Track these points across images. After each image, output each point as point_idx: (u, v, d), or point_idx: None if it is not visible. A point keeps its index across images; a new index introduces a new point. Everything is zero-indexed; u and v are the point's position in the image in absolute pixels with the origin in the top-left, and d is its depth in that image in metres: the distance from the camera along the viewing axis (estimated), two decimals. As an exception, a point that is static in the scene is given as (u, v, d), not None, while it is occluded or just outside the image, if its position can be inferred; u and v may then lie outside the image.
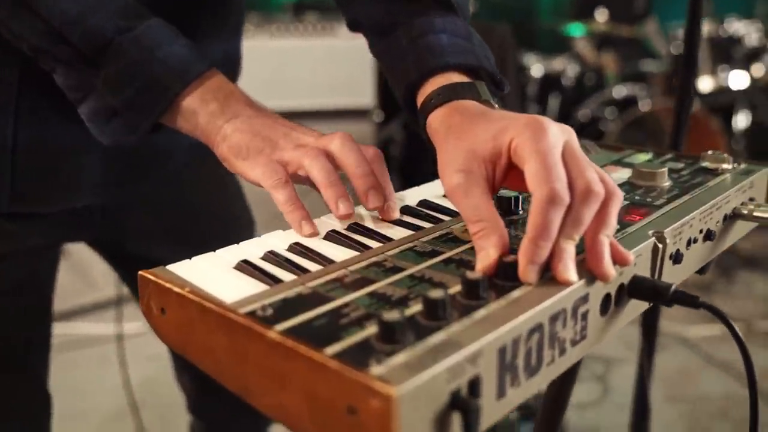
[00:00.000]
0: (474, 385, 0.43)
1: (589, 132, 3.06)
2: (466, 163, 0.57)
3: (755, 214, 0.71)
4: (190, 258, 1.04)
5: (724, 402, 2.17)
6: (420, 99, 0.69)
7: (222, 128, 0.69)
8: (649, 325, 1.12)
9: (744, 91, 3.08)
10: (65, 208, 0.90)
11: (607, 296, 0.54)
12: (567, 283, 0.50)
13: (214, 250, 1.07)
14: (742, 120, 3.12)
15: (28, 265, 0.90)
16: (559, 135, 0.54)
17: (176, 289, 0.51)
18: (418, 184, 0.77)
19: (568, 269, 0.50)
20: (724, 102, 3.10)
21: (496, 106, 0.66)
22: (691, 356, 2.36)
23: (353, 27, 0.84)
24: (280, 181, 0.64)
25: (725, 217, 0.70)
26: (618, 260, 0.53)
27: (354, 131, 0.81)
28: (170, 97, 0.69)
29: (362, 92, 2.62)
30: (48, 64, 0.71)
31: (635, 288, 0.56)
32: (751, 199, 0.75)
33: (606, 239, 0.52)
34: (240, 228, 1.15)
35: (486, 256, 0.52)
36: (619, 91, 3.18)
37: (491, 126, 0.57)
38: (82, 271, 2.40)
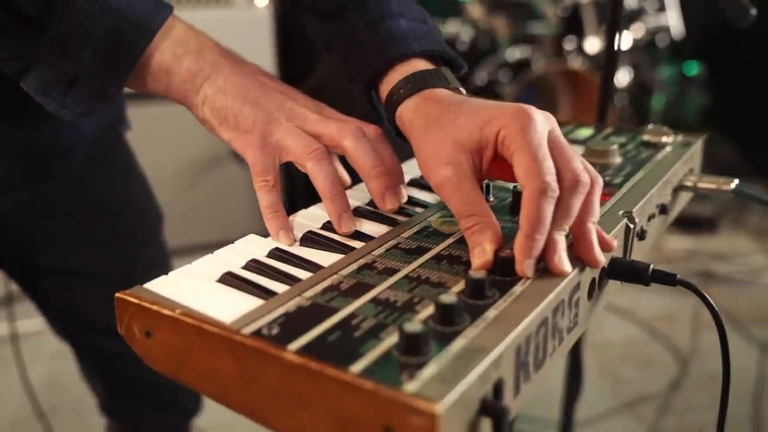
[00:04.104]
0: (498, 388, 0.43)
1: (486, 96, 3.12)
2: (453, 156, 0.56)
3: (699, 185, 0.75)
4: (104, 261, 0.99)
5: (626, 346, 2.32)
6: (384, 89, 0.66)
7: (201, 88, 0.62)
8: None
9: (626, 50, 3.24)
10: None
11: (593, 281, 0.56)
12: (563, 274, 0.51)
13: (127, 249, 1.02)
14: (624, 78, 3.28)
15: None
16: (545, 125, 0.54)
17: (166, 312, 0.48)
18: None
19: (563, 261, 0.51)
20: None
21: (464, 92, 0.66)
22: (594, 306, 2.50)
23: (293, 2, 0.79)
24: (268, 184, 0.61)
25: (674, 190, 0.74)
26: (603, 246, 0.54)
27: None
28: (136, 54, 0.60)
29: (262, 64, 2.50)
30: None
31: (615, 270, 0.57)
32: (691, 170, 0.79)
33: (593, 227, 0.54)
34: (149, 222, 1.09)
35: (482, 252, 0.52)
36: (512, 54, 3.25)
37: (475, 116, 0.56)
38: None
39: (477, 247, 0.52)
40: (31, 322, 1.86)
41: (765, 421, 1.90)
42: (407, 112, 0.63)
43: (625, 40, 3.21)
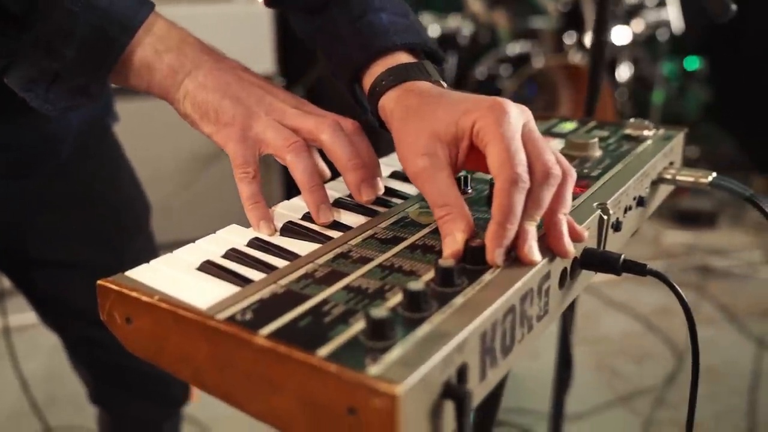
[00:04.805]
0: (462, 373, 0.44)
1: (486, 90, 3.13)
2: (429, 146, 0.57)
3: (678, 178, 0.76)
4: (93, 253, 1.01)
5: (623, 340, 2.33)
6: (368, 81, 0.68)
7: (183, 84, 0.63)
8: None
9: (626, 45, 3.24)
10: None
11: (564, 271, 0.57)
12: (532, 264, 0.52)
13: (117, 240, 1.04)
14: (625, 72, 3.28)
15: None
16: (519, 118, 0.56)
17: (145, 298, 0.49)
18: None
19: (533, 250, 0.52)
20: (608, 56, 3.24)
21: (445, 85, 0.67)
22: (591, 300, 2.51)
23: (272, 2, 0.80)
24: (248, 175, 0.62)
25: (652, 183, 0.75)
26: (574, 237, 0.56)
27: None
28: (118, 51, 0.61)
29: (262, 59, 2.54)
30: None
31: (588, 260, 0.59)
32: (671, 163, 0.80)
33: (564, 218, 0.55)
34: (137, 214, 1.11)
35: (453, 241, 0.53)
36: (513, 49, 3.25)
37: (453, 108, 0.58)
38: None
39: (448, 236, 0.54)
40: (31, 314, 1.89)
41: (760, 416, 1.91)
42: (389, 102, 0.65)
43: (625, 35, 3.21)
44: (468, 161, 0.59)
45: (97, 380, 1.16)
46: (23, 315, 1.76)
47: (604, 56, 1.01)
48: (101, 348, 1.06)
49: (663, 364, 2.15)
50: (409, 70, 0.66)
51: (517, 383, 2.01)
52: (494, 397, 0.84)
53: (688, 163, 3.30)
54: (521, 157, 0.53)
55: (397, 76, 0.66)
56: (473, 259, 0.53)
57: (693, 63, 3.47)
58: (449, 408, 0.43)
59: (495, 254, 0.52)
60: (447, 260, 0.50)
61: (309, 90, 2.65)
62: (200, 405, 1.30)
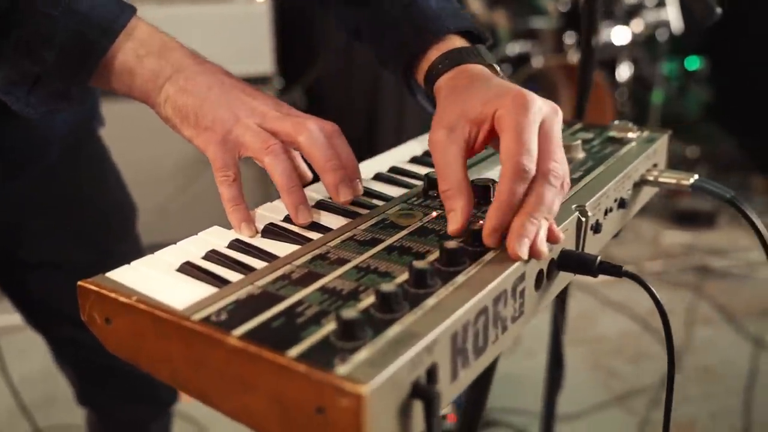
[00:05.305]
0: (432, 373, 0.45)
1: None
2: (453, 121, 0.60)
3: (660, 179, 0.76)
4: (81, 254, 1.01)
5: (619, 340, 2.33)
6: (424, 66, 0.71)
7: (163, 88, 0.64)
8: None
9: (626, 45, 3.24)
10: None
11: (540, 272, 0.57)
12: (517, 259, 0.53)
13: (104, 242, 1.05)
14: (624, 72, 3.28)
15: None
16: (540, 113, 0.58)
17: (122, 299, 0.50)
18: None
19: (522, 247, 0.53)
20: (608, 56, 3.25)
21: (499, 68, 0.70)
22: (588, 300, 2.51)
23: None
24: (228, 178, 0.63)
25: (634, 185, 0.75)
26: (551, 238, 0.56)
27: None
28: (99, 55, 0.62)
29: (261, 59, 2.55)
30: None
31: (564, 262, 0.59)
32: (655, 165, 0.81)
33: (545, 222, 0.56)
34: (125, 216, 1.12)
35: (455, 218, 0.57)
36: (512, 49, 3.26)
37: (486, 93, 0.61)
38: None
39: (450, 213, 0.57)
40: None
41: (756, 415, 1.91)
42: (443, 82, 0.68)
43: (625, 35, 3.21)
44: (486, 144, 0.62)
45: (83, 381, 1.17)
46: (18, 315, 1.78)
47: (594, 58, 1.02)
48: (86, 349, 1.07)
49: (659, 364, 2.15)
50: (464, 54, 0.69)
51: (512, 383, 2.01)
52: (479, 397, 0.85)
53: (689, 162, 3.31)
54: (529, 148, 0.55)
55: (453, 60, 0.69)
56: (448, 261, 0.53)
57: (694, 63, 3.47)
58: (418, 408, 0.44)
59: (489, 235, 0.54)
60: (420, 262, 0.51)
61: (308, 90, 2.66)
62: (198, 404, 1.30)
